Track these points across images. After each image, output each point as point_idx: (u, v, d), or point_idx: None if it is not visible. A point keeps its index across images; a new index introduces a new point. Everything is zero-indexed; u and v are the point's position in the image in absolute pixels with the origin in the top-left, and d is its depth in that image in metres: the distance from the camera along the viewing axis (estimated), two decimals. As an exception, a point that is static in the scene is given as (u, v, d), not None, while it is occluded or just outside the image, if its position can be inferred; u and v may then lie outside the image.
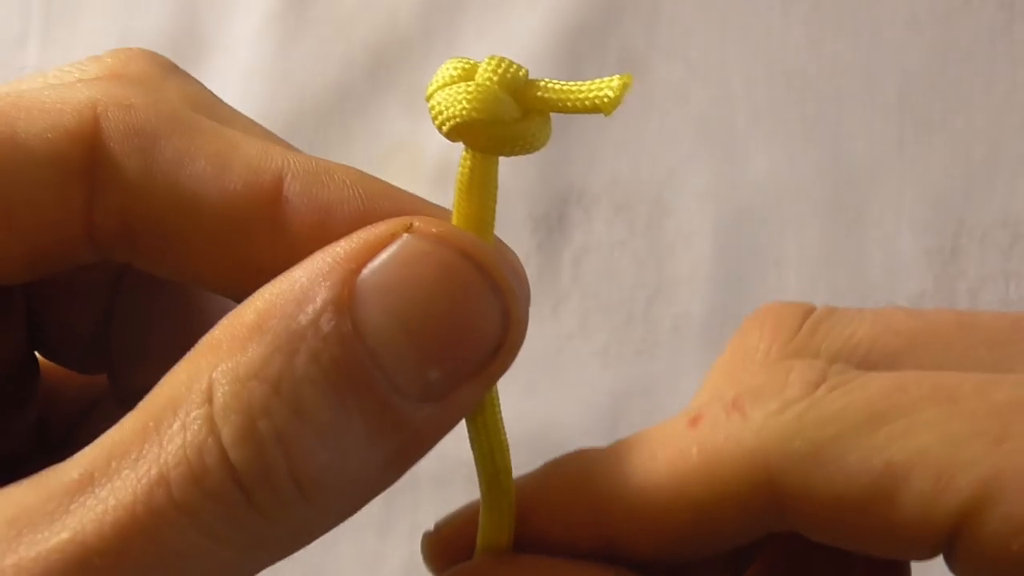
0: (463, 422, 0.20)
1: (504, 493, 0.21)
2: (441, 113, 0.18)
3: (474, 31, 0.61)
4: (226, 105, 0.22)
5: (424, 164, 0.59)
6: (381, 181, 0.20)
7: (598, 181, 0.58)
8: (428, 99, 0.19)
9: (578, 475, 0.21)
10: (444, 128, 0.18)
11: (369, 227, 0.18)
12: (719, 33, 0.60)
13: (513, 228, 0.58)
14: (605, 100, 0.18)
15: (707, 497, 0.20)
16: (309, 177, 0.19)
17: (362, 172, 0.20)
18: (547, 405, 0.56)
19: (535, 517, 0.21)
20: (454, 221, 0.19)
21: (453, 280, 0.18)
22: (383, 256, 0.17)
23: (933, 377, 0.19)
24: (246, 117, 0.22)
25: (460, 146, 0.19)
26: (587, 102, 0.19)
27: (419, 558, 0.22)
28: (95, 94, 0.19)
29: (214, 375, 0.17)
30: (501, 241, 0.20)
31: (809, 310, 0.23)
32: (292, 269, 0.18)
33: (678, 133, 0.59)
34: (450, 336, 0.17)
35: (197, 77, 0.22)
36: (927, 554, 0.19)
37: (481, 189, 0.19)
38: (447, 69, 0.19)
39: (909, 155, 0.58)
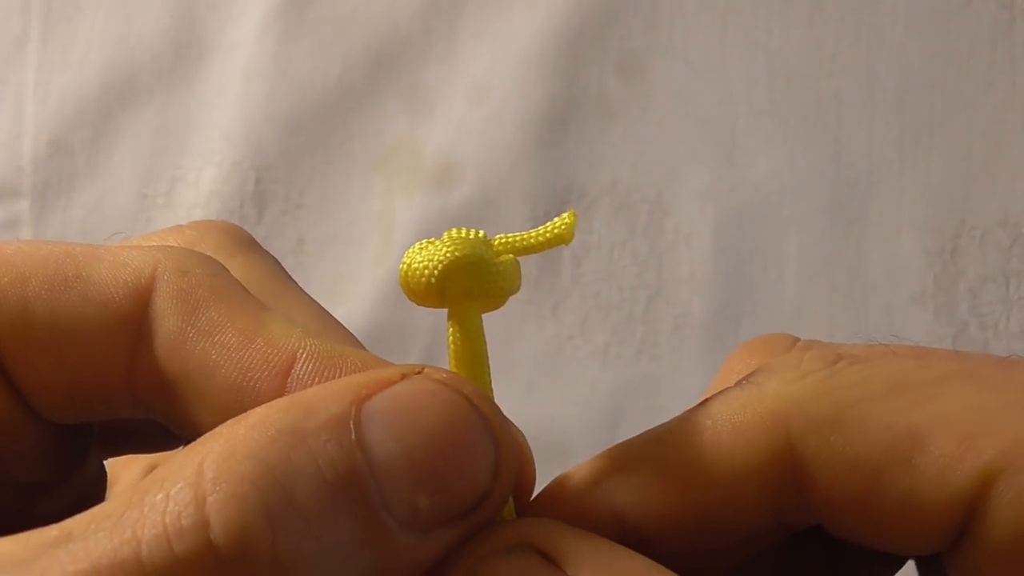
0: None
1: None
2: (427, 266, 0.20)
3: (473, 31, 0.61)
4: (285, 282, 0.24)
5: (423, 164, 0.59)
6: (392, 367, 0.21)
7: (598, 181, 0.58)
8: (404, 274, 0.20)
9: (587, 476, 0.21)
10: (435, 276, 0.20)
11: (381, 368, 0.19)
12: (719, 33, 0.60)
13: (513, 228, 0.57)
14: (564, 229, 0.20)
15: (725, 469, 0.19)
16: (321, 361, 0.20)
17: (376, 359, 0.21)
18: (547, 405, 0.56)
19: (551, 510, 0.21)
20: None
21: (456, 418, 0.18)
22: (393, 388, 0.18)
23: (955, 360, 0.19)
24: (302, 295, 0.23)
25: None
26: (550, 236, 0.21)
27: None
28: (159, 256, 0.21)
29: (208, 456, 0.17)
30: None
31: (796, 339, 0.22)
32: (302, 391, 0.18)
33: (678, 133, 0.59)
34: (445, 468, 0.18)
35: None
36: (939, 537, 0.18)
37: (473, 348, 0.20)
38: (414, 248, 0.20)
39: (909, 155, 0.58)
